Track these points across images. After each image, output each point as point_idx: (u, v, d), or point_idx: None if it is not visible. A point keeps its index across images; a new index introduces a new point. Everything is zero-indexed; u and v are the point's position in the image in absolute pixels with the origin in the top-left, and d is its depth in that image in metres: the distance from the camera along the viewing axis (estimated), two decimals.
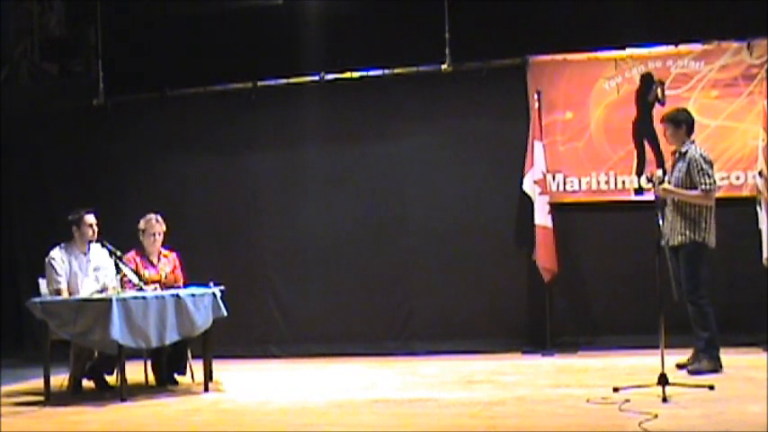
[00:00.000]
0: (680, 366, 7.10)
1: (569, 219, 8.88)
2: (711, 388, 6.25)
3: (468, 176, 9.14)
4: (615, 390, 6.29)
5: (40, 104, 10.20)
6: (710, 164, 7.16)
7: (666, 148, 8.45)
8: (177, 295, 7.18)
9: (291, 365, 8.80)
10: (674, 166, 7.31)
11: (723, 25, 8.52)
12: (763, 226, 8.13)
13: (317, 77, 9.40)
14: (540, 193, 8.72)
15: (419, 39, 9.06)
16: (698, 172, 7.06)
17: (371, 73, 9.28)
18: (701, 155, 7.14)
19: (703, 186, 7.05)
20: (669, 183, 7.19)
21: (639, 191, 8.70)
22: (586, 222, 8.93)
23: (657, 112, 8.61)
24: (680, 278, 7.07)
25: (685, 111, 7.49)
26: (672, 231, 7.16)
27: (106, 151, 9.97)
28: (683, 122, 7.26)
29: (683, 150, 7.20)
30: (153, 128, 9.89)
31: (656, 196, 6.75)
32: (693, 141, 7.26)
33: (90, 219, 7.68)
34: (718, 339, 7.11)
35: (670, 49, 8.70)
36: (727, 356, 7.13)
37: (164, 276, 7.76)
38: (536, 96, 8.81)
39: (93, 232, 7.67)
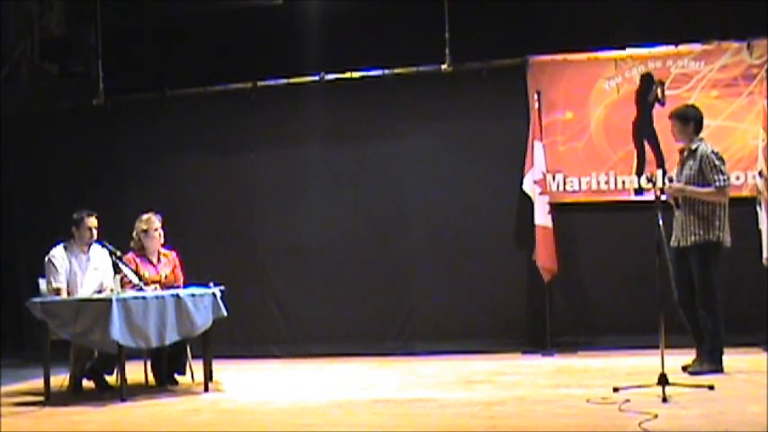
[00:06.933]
0: (685, 368, 7.04)
1: (569, 219, 8.87)
2: (711, 388, 6.25)
3: (468, 176, 9.14)
4: (615, 390, 6.29)
5: (40, 104, 10.19)
6: (722, 160, 7.06)
7: (666, 148, 8.48)
8: (177, 295, 7.18)
9: (291, 365, 8.80)
10: (683, 164, 7.18)
11: (723, 25, 8.52)
12: (763, 226, 8.13)
13: (317, 77, 9.40)
14: (540, 193, 8.72)
15: (419, 39, 9.05)
16: (711, 169, 6.96)
17: (371, 73, 9.28)
18: (712, 151, 7.04)
19: (717, 183, 6.95)
20: (679, 181, 7.11)
21: (639, 191, 8.70)
22: (586, 222, 8.93)
23: (657, 112, 8.63)
24: (691, 281, 6.98)
25: (694, 107, 7.40)
26: (683, 232, 7.05)
27: (106, 151, 9.97)
28: (691, 119, 7.16)
29: (693, 147, 7.10)
30: (153, 128, 9.90)
31: (656, 196, 6.71)
32: (702, 139, 7.16)
33: (91, 222, 7.67)
34: (724, 343, 7.08)
35: (670, 49, 8.70)
36: (728, 356, 7.11)
37: (163, 277, 7.75)
38: (536, 96, 8.81)
39: (91, 236, 7.67)
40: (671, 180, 7.20)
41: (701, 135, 7.20)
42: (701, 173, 7.01)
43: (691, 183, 7.05)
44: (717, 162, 7.00)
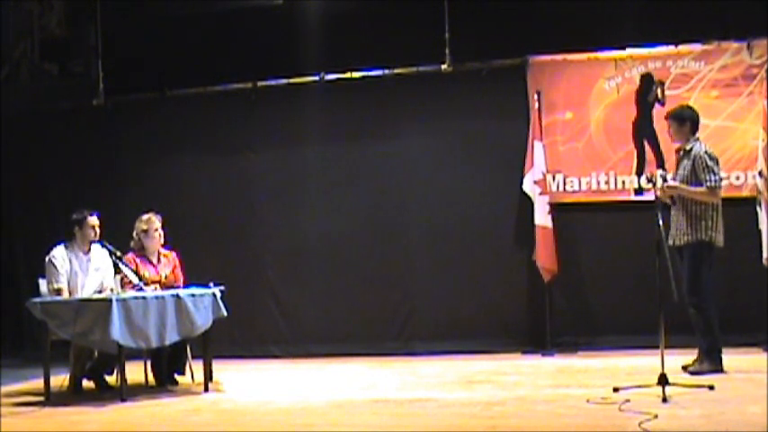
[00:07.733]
0: (685, 368, 7.07)
1: (569, 219, 8.88)
2: (711, 388, 6.26)
3: (468, 176, 9.14)
4: (615, 390, 6.29)
5: (40, 104, 10.20)
6: (716, 161, 7.11)
7: (666, 148, 8.48)
8: (177, 295, 7.18)
9: (291, 365, 8.80)
10: (678, 163, 7.27)
11: (723, 25, 8.53)
12: (763, 226, 8.13)
13: (316, 77, 9.40)
14: (540, 194, 8.72)
15: (419, 39, 9.05)
16: (703, 169, 7.02)
17: (371, 73, 9.28)
18: (705, 152, 7.09)
19: (708, 183, 7.00)
20: (674, 181, 7.17)
21: (639, 191, 8.70)
22: (586, 222, 8.93)
23: (657, 112, 8.63)
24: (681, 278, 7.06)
25: (690, 108, 7.46)
26: (677, 231, 7.11)
27: (106, 151, 9.97)
28: (687, 119, 7.22)
29: (688, 148, 7.17)
30: (153, 128, 9.90)
31: (656, 196, 6.75)
32: (698, 139, 7.22)
33: (93, 221, 7.68)
34: (721, 342, 7.09)
35: (670, 49, 8.70)
36: (728, 356, 7.12)
37: (163, 277, 7.75)
38: (536, 96, 8.82)
39: (95, 234, 7.67)
40: (665, 180, 7.23)
41: (698, 135, 7.25)
42: (694, 173, 7.07)
43: (685, 182, 7.11)
44: (709, 162, 7.06)
